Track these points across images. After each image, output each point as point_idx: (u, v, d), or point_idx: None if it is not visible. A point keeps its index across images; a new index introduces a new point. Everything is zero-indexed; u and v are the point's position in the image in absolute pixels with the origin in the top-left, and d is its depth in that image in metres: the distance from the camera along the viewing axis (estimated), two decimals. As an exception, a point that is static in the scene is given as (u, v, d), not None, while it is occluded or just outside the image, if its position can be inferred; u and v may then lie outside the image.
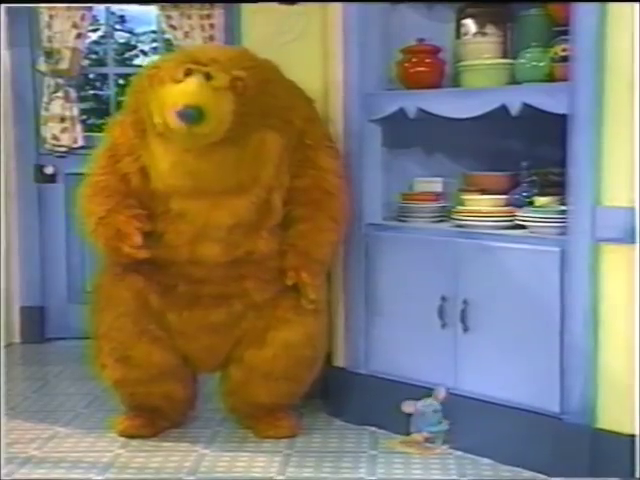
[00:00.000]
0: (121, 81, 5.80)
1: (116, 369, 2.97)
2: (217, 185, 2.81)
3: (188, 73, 2.74)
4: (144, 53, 5.78)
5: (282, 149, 2.88)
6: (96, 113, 5.66)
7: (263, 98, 2.83)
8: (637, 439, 2.50)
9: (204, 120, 2.68)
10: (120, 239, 2.84)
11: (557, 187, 2.87)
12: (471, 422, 2.89)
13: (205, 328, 2.95)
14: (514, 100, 2.75)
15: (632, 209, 2.49)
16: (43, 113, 4.35)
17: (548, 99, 2.67)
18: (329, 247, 3.01)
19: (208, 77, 2.74)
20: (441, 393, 2.94)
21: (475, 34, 3.06)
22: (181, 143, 2.76)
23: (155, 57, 5.41)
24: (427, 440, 2.96)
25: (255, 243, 2.88)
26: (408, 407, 2.99)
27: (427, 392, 2.96)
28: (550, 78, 2.78)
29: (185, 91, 2.71)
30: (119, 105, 5.20)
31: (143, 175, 2.88)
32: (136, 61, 5.80)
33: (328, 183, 2.96)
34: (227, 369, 3.06)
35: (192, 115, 2.66)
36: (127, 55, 5.81)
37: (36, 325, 4.48)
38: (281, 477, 2.75)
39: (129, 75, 5.82)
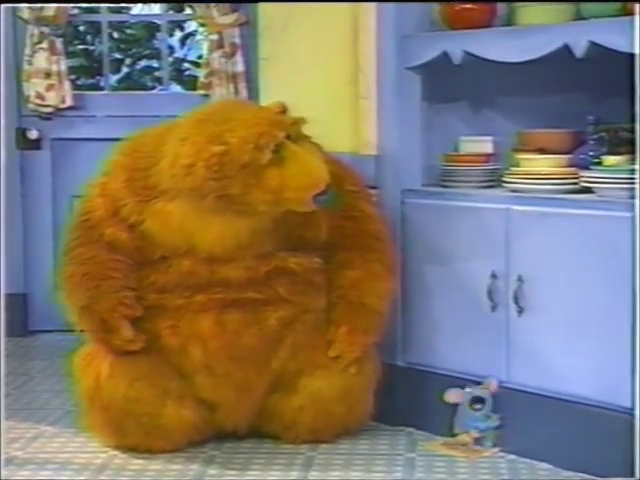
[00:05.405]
0: (116, 34, 5.84)
1: (154, 444, 2.96)
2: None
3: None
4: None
5: None
6: (86, 72, 5.67)
7: None
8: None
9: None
10: (107, 331, 2.90)
11: (630, 145, 2.85)
12: (526, 420, 2.88)
13: (236, 357, 2.92)
14: (579, 38, 2.73)
15: None
16: (25, 67, 4.38)
17: (619, 37, 2.65)
18: (388, 297, 3.05)
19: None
20: (492, 384, 2.94)
21: (533, -36, 3.06)
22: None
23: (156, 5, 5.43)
24: (477, 441, 2.95)
25: (285, 260, 2.94)
26: (454, 396, 2.99)
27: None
28: (622, 12, 2.75)
29: (315, 167, 2.81)
30: (112, 63, 5.28)
31: (141, 239, 2.92)
32: (134, 10, 5.81)
33: (374, 229, 3.05)
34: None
35: (330, 197, 2.81)
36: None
37: (18, 315, 4.48)
38: (303, 481, 2.78)
39: (125, 26, 5.89)
